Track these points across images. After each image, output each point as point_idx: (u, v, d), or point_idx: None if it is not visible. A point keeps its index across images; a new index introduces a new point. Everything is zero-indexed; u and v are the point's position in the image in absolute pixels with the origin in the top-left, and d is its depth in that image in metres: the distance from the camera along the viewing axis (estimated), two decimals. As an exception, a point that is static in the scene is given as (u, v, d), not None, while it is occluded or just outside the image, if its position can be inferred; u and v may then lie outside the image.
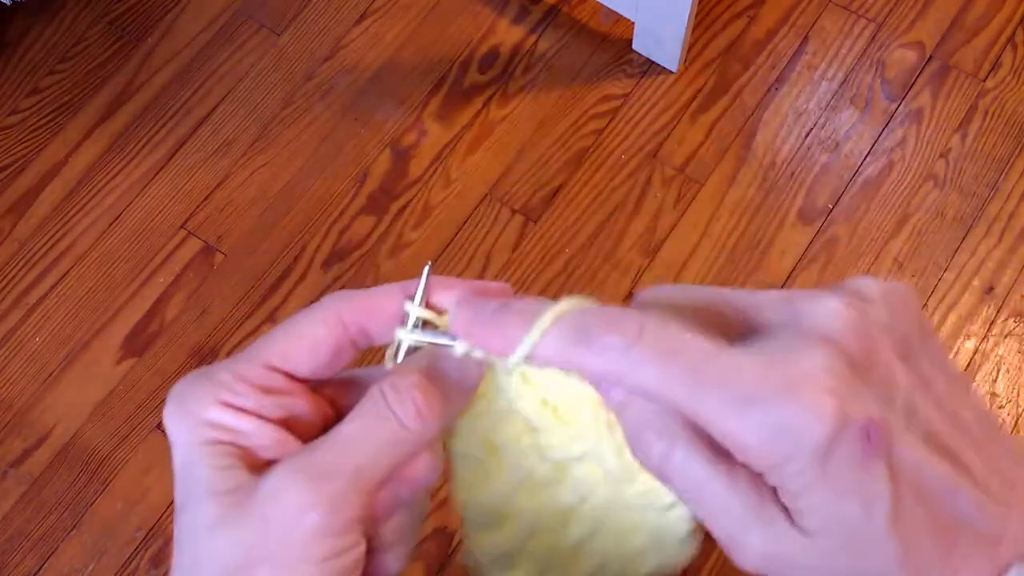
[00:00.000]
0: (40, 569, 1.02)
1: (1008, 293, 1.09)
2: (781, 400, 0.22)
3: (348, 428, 0.26)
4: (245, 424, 0.26)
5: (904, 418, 0.23)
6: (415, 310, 0.28)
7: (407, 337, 0.28)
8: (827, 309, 0.23)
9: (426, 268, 0.28)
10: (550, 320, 0.24)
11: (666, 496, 0.30)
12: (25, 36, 1.25)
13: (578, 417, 0.29)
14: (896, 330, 0.24)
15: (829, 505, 0.22)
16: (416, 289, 0.28)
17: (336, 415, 0.29)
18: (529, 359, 0.25)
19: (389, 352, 0.28)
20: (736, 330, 0.25)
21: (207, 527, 0.25)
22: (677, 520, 0.30)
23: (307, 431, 0.28)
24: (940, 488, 0.22)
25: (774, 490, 0.23)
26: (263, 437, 0.26)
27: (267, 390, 0.27)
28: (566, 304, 0.25)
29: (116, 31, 1.26)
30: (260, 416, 0.26)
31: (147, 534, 1.03)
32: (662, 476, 0.24)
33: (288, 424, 0.27)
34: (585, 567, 0.32)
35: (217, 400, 0.26)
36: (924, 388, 0.24)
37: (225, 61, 1.23)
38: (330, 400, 0.29)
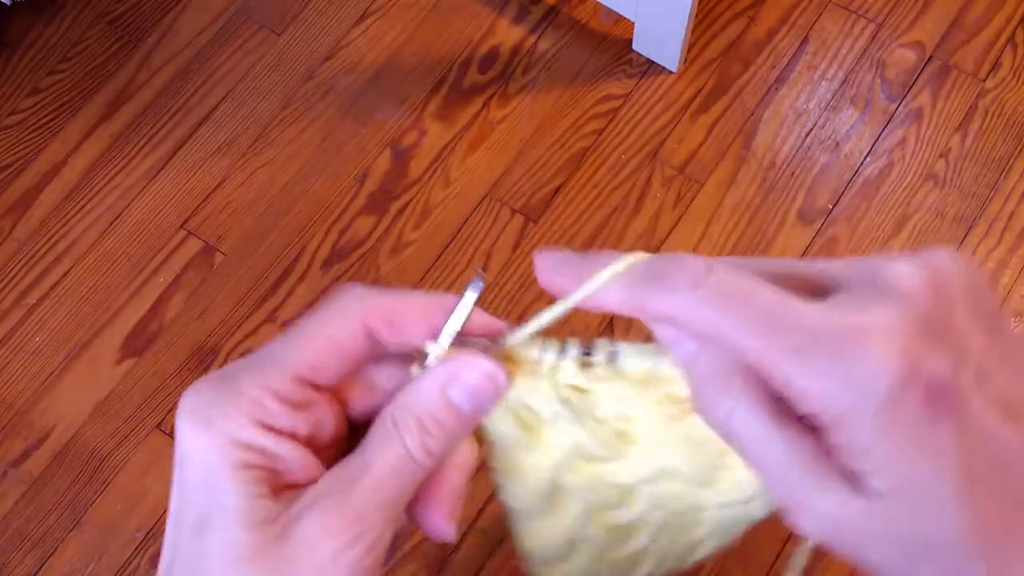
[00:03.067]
0: (40, 569, 1.02)
1: (1008, 293, 1.09)
2: (848, 348, 0.21)
3: (375, 464, 0.25)
4: (280, 447, 0.25)
5: (977, 382, 0.22)
6: (448, 332, 0.27)
7: (436, 353, 0.27)
8: (904, 268, 0.23)
9: (476, 292, 0.27)
10: (622, 266, 0.24)
11: (747, 489, 0.29)
12: (25, 36, 1.25)
13: (646, 434, 0.28)
14: (972, 299, 0.24)
15: (895, 463, 0.21)
16: (455, 305, 0.27)
17: (346, 414, 0.29)
18: (598, 302, 0.24)
19: (415, 368, 0.28)
20: (806, 291, 0.24)
21: (239, 558, 0.24)
22: (754, 510, 0.30)
23: (326, 440, 0.27)
24: (1014, 458, 0.22)
25: (838, 454, 0.22)
26: (294, 460, 0.25)
27: (299, 406, 0.26)
28: (637, 255, 0.25)
29: (116, 31, 1.26)
30: (293, 436, 0.26)
31: (147, 534, 1.03)
32: (725, 434, 0.24)
33: (312, 439, 0.27)
34: (641, 571, 0.31)
35: (253, 420, 0.25)
36: (1000, 355, 0.23)
37: (225, 61, 1.23)
38: (339, 399, 0.29)
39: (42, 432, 1.07)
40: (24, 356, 1.10)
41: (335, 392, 0.28)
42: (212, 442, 0.25)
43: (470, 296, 0.27)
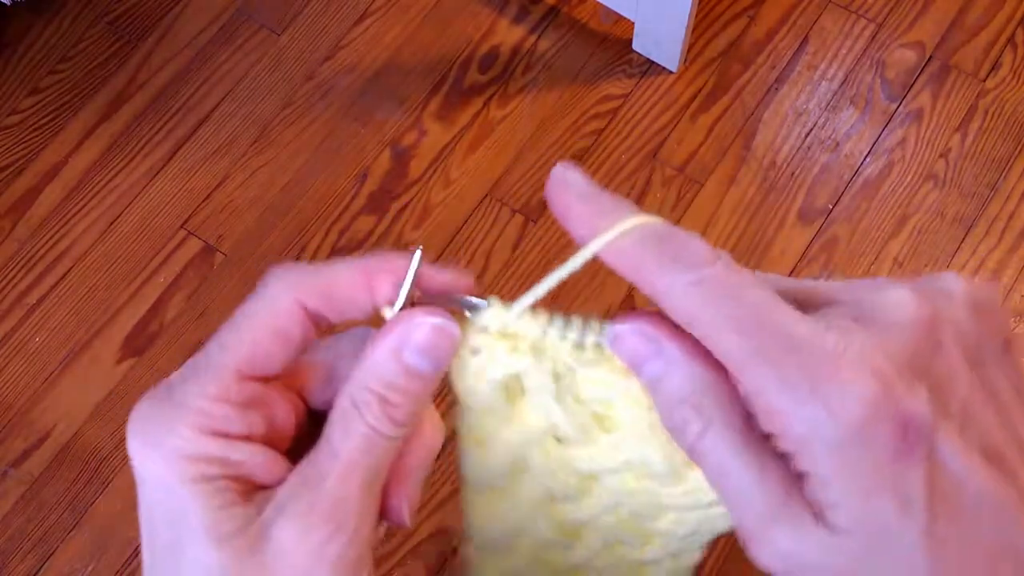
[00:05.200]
0: (40, 569, 1.02)
1: (1008, 293, 1.09)
2: (824, 369, 0.20)
3: (342, 449, 0.24)
4: (236, 452, 0.24)
5: (958, 422, 0.21)
6: (403, 294, 0.26)
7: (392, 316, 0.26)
8: (897, 297, 0.22)
9: (418, 251, 0.26)
10: (634, 224, 0.23)
11: (707, 495, 0.29)
12: (25, 36, 1.25)
13: (625, 422, 0.28)
14: (970, 333, 0.23)
15: (859, 499, 0.20)
16: (406, 270, 0.26)
17: (307, 407, 0.27)
18: (603, 254, 0.24)
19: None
20: (802, 306, 0.23)
21: (217, 574, 0.23)
22: (716, 517, 0.29)
23: (287, 434, 0.26)
24: (986, 503, 0.21)
25: (803, 487, 0.22)
26: (256, 462, 0.24)
27: (247, 404, 0.24)
28: (651, 218, 0.24)
29: (116, 31, 1.26)
30: (249, 438, 0.24)
31: (147, 534, 1.03)
32: (693, 455, 0.23)
33: (270, 434, 0.25)
34: None
35: (201, 430, 0.24)
36: (988, 396, 0.22)
37: (225, 61, 1.23)
38: (294, 390, 0.27)
39: (42, 432, 1.07)
40: (24, 356, 1.10)
41: (287, 383, 0.27)
42: (164, 461, 0.24)
43: (417, 255, 0.26)
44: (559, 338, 0.26)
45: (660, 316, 0.24)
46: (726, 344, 0.22)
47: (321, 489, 0.24)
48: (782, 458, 0.22)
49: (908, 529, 0.20)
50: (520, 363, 0.27)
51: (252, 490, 0.24)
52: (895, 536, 0.20)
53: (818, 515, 0.21)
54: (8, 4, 1.24)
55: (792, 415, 0.21)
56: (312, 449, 0.25)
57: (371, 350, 0.25)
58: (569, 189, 0.24)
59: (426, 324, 0.25)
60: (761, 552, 0.22)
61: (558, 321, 0.26)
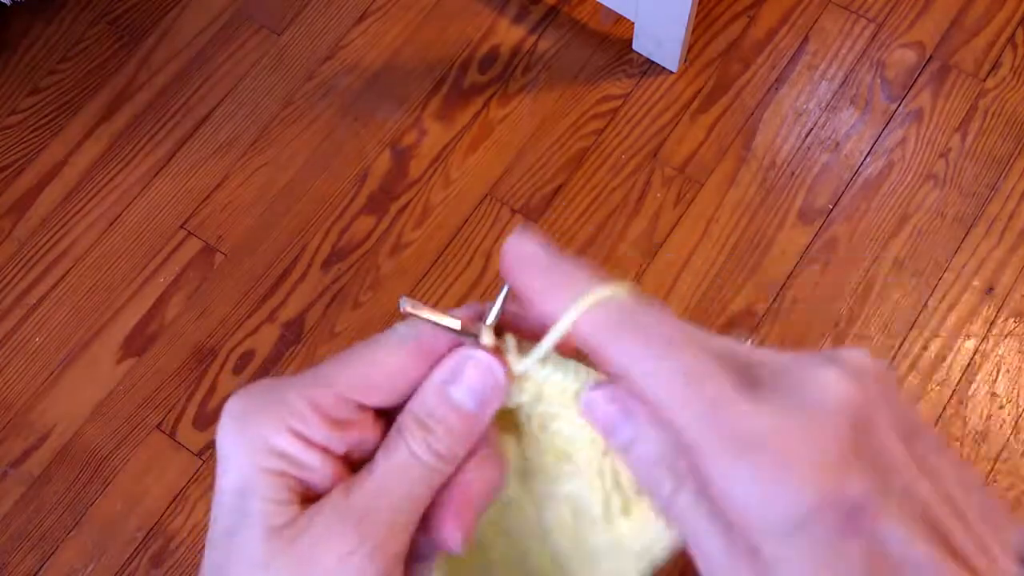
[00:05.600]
0: (40, 569, 1.02)
1: (1008, 293, 1.09)
2: (774, 462, 0.22)
3: (379, 468, 0.26)
4: (311, 459, 0.25)
5: (897, 499, 0.23)
6: (488, 332, 0.27)
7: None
8: (830, 379, 0.23)
9: (504, 289, 0.27)
10: (599, 297, 0.24)
11: (636, 543, 0.29)
12: (25, 36, 1.25)
13: (579, 455, 0.29)
14: (894, 408, 0.24)
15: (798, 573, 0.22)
16: (490, 312, 0.27)
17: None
18: (569, 333, 0.24)
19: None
20: (743, 378, 0.25)
21: (258, 564, 0.24)
22: (642, 567, 0.30)
23: (368, 450, 0.27)
24: (923, 569, 0.22)
25: (758, 557, 0.23)
26: (323, 473, 0.26)
27: (337, 424, 0.26)
28: (617, 288, 0.24)
29: (116, 31, 1.26)
30: (326, 450, 0.26)
31: (147, 534, 1.03)
32: (668, 516, 0.25)
33: (348, 456, 0.27)
34: None
35: (287, 427, 0.25)
36: (922, 467, 0.24)
37: (225, 61, 1.23)
38: (391, 419, 0.29)
39: (42, 432, 1.07)
40: (24, 356, 1.10)
41: (387, 413, 0.28)
42: (248, 447, 0.25)
43: (505, 290, 0.27)
44: (561, 386, 0.27)
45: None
46: (690, 434, 0.23)
47: (353, 501, 0.25)
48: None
49: None
50: (519, 399, 0.28)
51: (311, 495, 0.26)
52: None
53: None
54: (8, 4, 1.24)
55: (743, 504, 0.22)
56: (365, 467, 0.26)
57: (426, 379, 0.27)
58: (527, 262, 0.25)
59: (477, 362, 0.27)
60: None
61: (563, 366, 0.27)
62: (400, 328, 0.27)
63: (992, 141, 1.15)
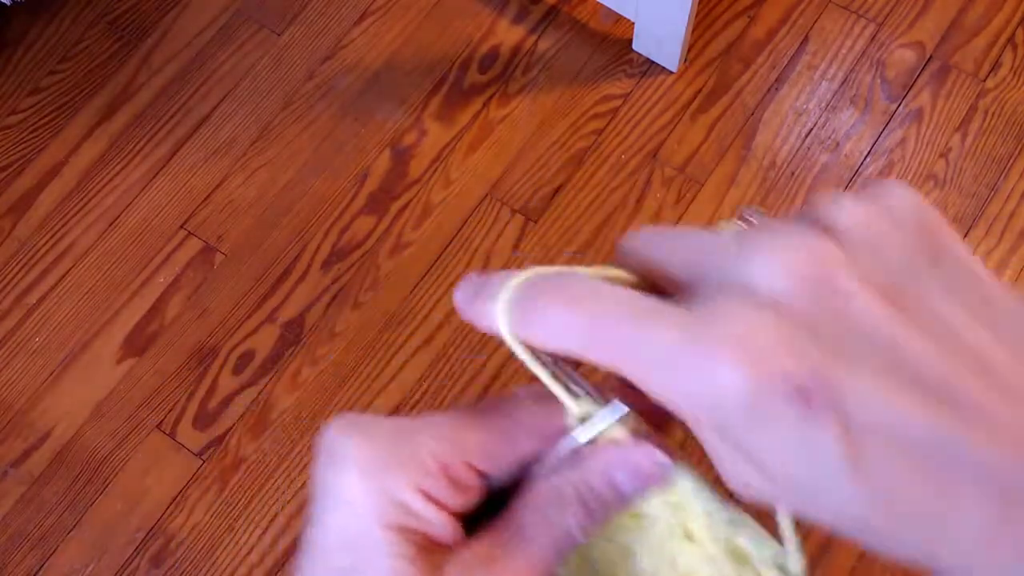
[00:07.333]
0: (40, 569, 1.02)
1: (1008, 293, 1.09)
2: (701, 360, 0.21)
3: (537, 539, 0.26)
4: (434, 516, 0.25)
5: (882, 364, 0.20)
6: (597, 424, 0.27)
7: (583, 437, 0.27)
8: (773, 264, 0.21)
9: (624, 409, 0.27)
10: (511, 289, 0.25)
11: None
12: (25, 36, 1.25)
13: (707, 539, 0.28)
14: (878, 266, 0.22)
15: (779, 460, 0.21)
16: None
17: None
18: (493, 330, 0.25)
19: (578, 433, 0.27)
20: (667, 284, 0.25)
21: None
22: None
23: (469, 506, 0.28)
24: (925, 438, 0.20)
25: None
26: (443, 529, 0.26)
27: (460, 489, 0.26)
28: (527, 272, 0.25)
29: (116, 31, 1.26)
30: (446, 509, 0.26)
31: (147, 534, 1.03)
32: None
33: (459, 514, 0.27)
34: None
35: (419, 487, 0.25)
36: (918, 324, 0.21)
37: (225, 61, 1.23)
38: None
39: (42, 432, 1.07)
40: (24, 356, 1.10)
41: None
42: (375, 496, 0.25)
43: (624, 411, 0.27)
44: (724, 530, 0.27)
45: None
46: (609, 364, 0.23)
47: (506, 567, 0.25)
48: None
49: (833, 472, 0.20)
50: (655, 509, 0.28)
51: (431, 547, 0.26)
52: (822, 480, 0.21)
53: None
54: (8, 4, 1.24)
55: (691, 411, 0.22)
56: (497, 525, 0.26)
57: (592, 456, 0.26)
58: (464, 294, 0.26)
59: (653, 457, 0.26)
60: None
61: (730, 515, 0.27)
62: (528, 401, 0.27)
63: (992, 141, 1.15)
